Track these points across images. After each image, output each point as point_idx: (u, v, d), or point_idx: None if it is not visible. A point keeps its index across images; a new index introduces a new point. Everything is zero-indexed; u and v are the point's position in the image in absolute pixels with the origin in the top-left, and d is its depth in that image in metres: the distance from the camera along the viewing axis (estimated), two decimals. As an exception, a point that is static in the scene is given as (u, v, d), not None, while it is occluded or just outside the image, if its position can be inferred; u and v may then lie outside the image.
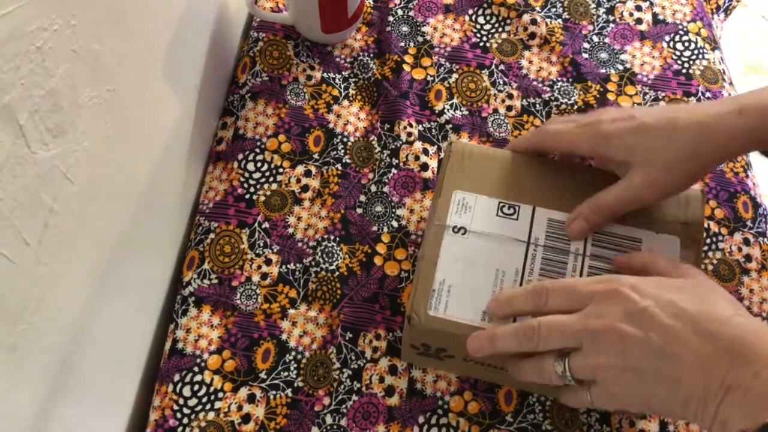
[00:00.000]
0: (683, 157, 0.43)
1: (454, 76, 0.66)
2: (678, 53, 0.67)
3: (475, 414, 0.52)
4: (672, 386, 0.36)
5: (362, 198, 0.60)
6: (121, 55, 0.42)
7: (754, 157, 0.63)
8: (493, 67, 0.67)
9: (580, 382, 0.40)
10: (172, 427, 0.51)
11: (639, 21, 0.69)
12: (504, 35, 0.68)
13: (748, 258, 0.58)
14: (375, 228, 0.58)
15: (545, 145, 0.49)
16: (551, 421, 0.51)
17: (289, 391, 0.52)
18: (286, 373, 0.53)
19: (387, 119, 0.63)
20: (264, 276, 0.56)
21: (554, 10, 0.70)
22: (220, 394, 0.52)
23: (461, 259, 0.46)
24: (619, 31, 0.69)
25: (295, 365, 0.53)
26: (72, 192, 0.38)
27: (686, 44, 0.68)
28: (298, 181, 0.60)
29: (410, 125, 0.63)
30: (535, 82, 0.66)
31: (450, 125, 0.63)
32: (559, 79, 0.66)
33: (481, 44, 0.68)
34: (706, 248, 0.58)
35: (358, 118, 0.64)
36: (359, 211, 0.59)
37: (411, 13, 0.69)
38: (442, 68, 0.66)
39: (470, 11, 0.70)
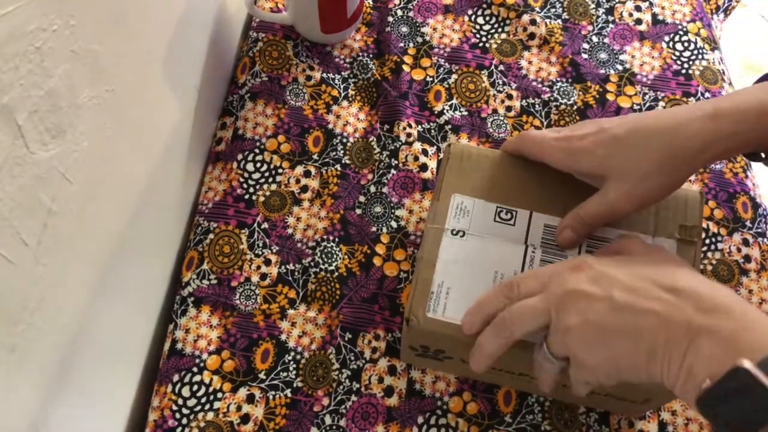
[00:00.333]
0: (655, 167, 0.42)
1: (454, 76, 0.66)
2: (677, 53, 0.67)
3: (474, 414, 0.52)
4: (636, 337, 0.36)
5: (361, 198, 0.60)
6: (120, 55, 0.42)
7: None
8: (493, 67, 0.67)
9: (564, 359, 0.40)
10: (171, 427, 0.51)
11: (638, 21, 0.69)
12: (503, 36, 0.68)
13: (747, 258, 0.58)
14: (374, 228, 0.58)
15: (525, 152, 0.49)
16: (550, 421, 0.51)
17: (288, 392, 0.52)
18: (285, 374, 0.53)
19: (386, 120, 0.63)
20: (263, 276, 0.56)
21: (554, 10, 0.70)
22: (219, 395, 0.52)
23: (460, 262, 0.46)
24: (619, 32, 0.69)
25: (294, 365, 0.53)
26: (71, 192, 0.38)
27: (686, 44, 0.68)
28: (298, 181, 0.60)
29: (409, 126, 0.63)
30: (534, 83, 0.66)
31: (449, 126, 0.63)
32: (559, 79, 0.66)
33: (481, 45, 0.68)
34: (705, 249, 0.58)
35: (358, 119, 0.64)
36: (358, 211, 0.59)
37: (410, 14, 0.69)
38: (442, 69, 0.66)
39: (470, 12, 0.70)
